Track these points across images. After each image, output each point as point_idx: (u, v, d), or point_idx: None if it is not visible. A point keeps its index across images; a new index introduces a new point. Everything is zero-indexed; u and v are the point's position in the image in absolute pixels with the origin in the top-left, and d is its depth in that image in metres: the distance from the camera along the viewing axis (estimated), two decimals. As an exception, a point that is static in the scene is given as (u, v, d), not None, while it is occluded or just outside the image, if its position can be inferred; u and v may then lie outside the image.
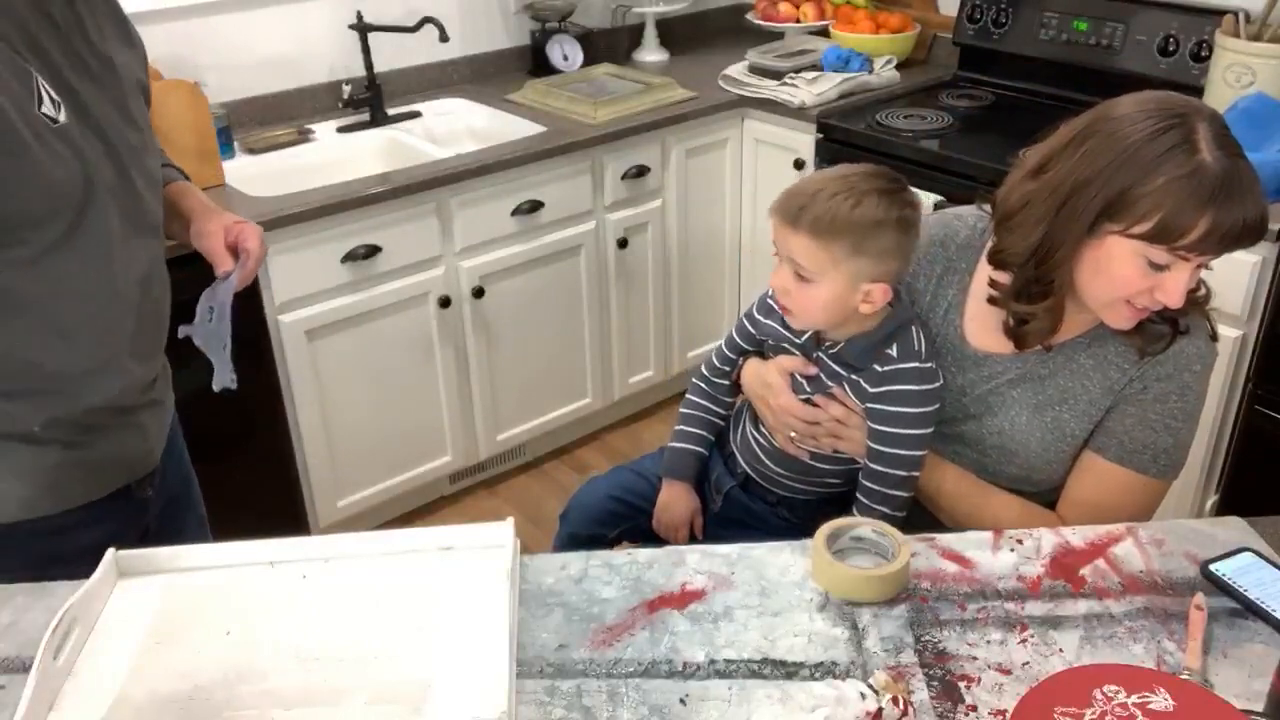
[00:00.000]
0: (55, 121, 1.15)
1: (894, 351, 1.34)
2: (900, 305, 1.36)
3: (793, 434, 1.43)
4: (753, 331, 1.49)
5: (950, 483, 1.39)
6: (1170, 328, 1.28)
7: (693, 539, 1.54)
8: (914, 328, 1.36)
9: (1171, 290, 1.18)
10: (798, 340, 1.42)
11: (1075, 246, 1.22)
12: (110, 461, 1.33)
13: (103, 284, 1.24)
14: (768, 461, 1.49)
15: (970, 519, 1.36)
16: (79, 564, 1.13)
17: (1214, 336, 1.32)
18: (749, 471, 1.52)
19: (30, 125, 1.11)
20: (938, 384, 1.36)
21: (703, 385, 1.59)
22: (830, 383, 1.39)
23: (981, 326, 1.37)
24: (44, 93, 1.14)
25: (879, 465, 1.36)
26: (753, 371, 1.48)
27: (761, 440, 1.49)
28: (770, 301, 1.45)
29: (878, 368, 1.35)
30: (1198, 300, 1.28)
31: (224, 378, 1.37)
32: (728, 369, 1.55)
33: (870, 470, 1.37)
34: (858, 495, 1.39)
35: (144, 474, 1.37)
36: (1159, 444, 1.30)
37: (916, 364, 1.34)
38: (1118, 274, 1.20)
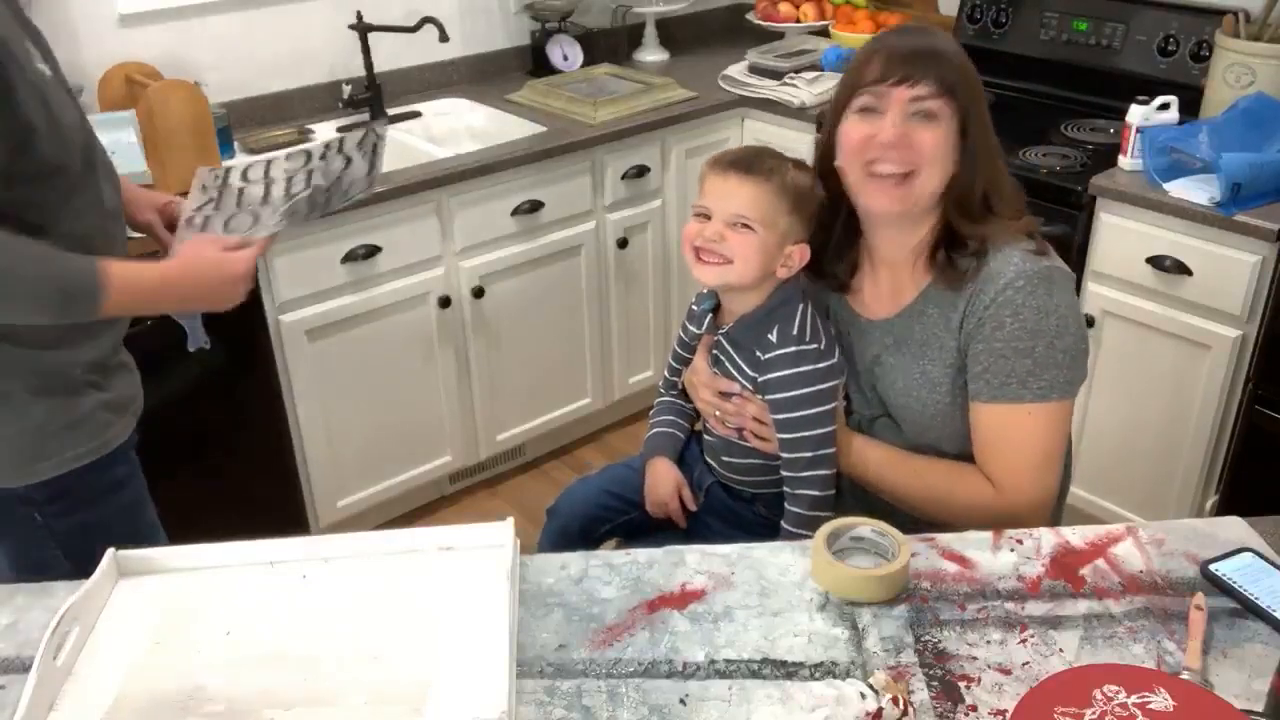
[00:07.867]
0: (45, 75, 1.26)
1: (773, 336, 1.40)
2: (790, 282, 1.41)
3: (716, 413, 1.48)
4: (683, 336, 1.57)
5: (874, 459, 1.44)
6: (977, 258, 1.34)
7: (685, 513, 1.57)
8: (800, 308, 1.41)
9: (885, 126, 1.30)
10: (700, 330, 1.51)
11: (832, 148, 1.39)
12: (129, 401, 1.43)
13: (106, 220, 1.35)
14: (721, 455, 1.54)
15: (903, 488, 1.41)
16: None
17: (1040, 251, 1.34)
18: (719, 472, 1.56)
19: (40, 78, 1.23)
20: (827, 363, 1.40)
21: (662, 394, 1.66)
22: (728, 365, 1.45)
23: (860, 297, 1.47)
24: (30, 48, 1.25)
25: (787, 452, 1.42)
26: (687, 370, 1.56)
27: (712, 438, 1.54)
28: (692, 306, 1.54)
29: (759, 353, 1.41)
30: (1012, 225, 1.34)
31: (197, 339, 1.48)
32: (676, 379, 1.61)
33: (783, 458, 1.43)
34: (784, 486, 1.45)
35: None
36: (1018, 369, 1.32)
37: (795, 348, 1.39)
38: (848, 140, 1.34)
